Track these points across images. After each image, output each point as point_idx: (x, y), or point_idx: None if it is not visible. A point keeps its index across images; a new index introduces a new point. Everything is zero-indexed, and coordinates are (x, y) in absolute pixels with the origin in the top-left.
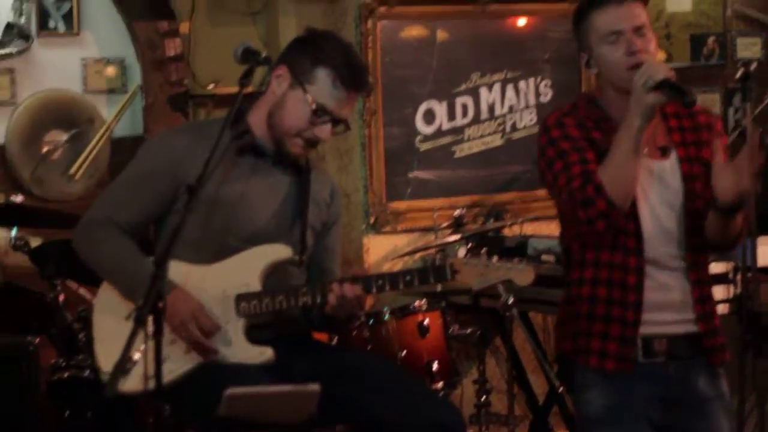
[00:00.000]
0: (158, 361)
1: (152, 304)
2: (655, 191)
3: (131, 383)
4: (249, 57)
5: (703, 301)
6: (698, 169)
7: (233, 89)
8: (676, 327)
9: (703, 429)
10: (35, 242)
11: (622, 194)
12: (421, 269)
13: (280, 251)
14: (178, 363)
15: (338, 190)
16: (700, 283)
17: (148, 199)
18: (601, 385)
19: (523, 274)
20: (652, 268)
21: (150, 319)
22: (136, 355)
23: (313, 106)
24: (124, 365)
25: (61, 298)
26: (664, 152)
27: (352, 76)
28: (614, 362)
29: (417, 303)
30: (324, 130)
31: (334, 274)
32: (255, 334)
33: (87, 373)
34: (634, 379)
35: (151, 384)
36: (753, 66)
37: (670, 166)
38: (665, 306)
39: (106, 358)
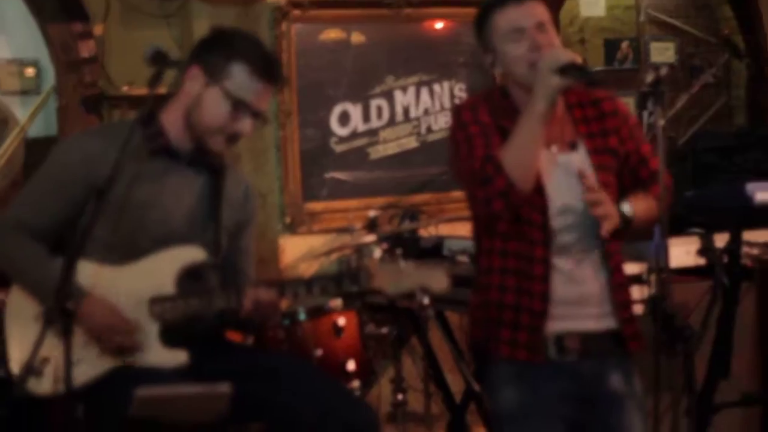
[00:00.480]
0: (68, 361)
1: (61, 304)
2: (565, 184)
3: (44, 385)
4: (158, 59)
5: (621, 288)
6: (607, 159)
7: (147, 91)
8: (591, 323)
9: (617, 426)
10: None
11: (522, 175)
12: (335, 275)
13: (194, 253)
14: (91, 366)
15: (252, 191)
16: (618, 269)
17: (60, 204)
18: (513, 382)
19: (438, 281)
20: (562, 261)
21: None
22: (50, 357)
23: (232, 102)
24: (32, 367)
25: None
26: (573, 147)
27: (268, 68)
28: (526, 352)
29: (332, 303)
30: (245, 124)
31: (248, 275)
32: (168, 336)
33: (0, 372)
34: (546, 376)
35: (63, 386)
36: (664, 71)
37: (579, 159)
38: (579, 301)
39: (18, 359)
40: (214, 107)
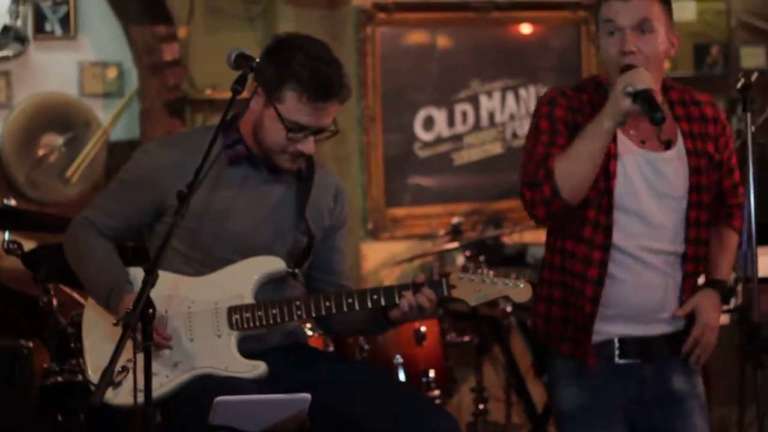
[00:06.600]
0: (147, 368)
1: (141, 311)
2: (650, 184)
3: (121, 396)
4: (242, 62)
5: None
6: (704, 162)
7: (230, 94)
8: (654, 327)
9: (680, 427)
10: (29, 246)
11: (571, 187)
12: (415, 285)
13: (273, 263)
14: (168, 377)
15: (343, 191)
16: (696, 274)
17: (130, 208)
18: (575, 383)
19: (520, 292)
20: (633, 264)
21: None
22: (128, 368)
23: (286, 125)
24: (111, 376)
25: (55, 302)
26: (667, 146)
27: (320, 90)
28: (578, 350)
29: None
30: (306, 144)
31: (346, 275)
32: (247, 346)
33: (80, 377)
34: (608, 379)
35: (141, 398)
36: (754, 76)
37: (676, 156)
38: (643, 305)
39: (94, 367)
40: (272, 129)
